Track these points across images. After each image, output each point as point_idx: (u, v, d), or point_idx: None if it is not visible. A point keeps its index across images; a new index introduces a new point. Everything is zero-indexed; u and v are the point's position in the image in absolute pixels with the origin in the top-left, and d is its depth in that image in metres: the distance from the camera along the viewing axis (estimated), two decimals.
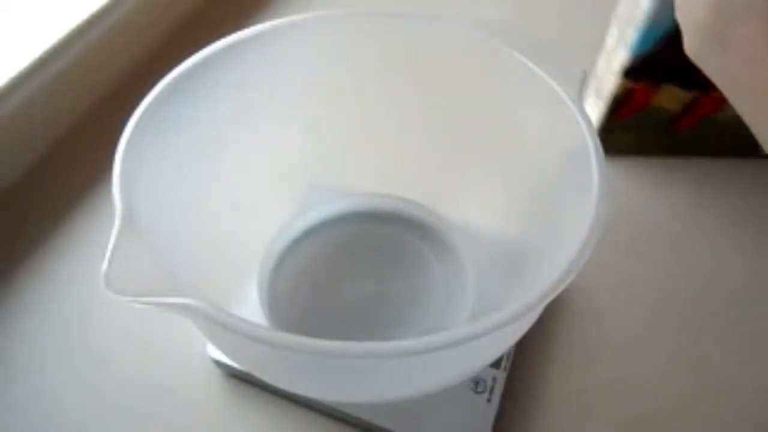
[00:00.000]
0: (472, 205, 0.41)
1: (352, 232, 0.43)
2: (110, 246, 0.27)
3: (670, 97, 0.45)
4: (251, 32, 0.36)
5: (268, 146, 0.39)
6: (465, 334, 0.23)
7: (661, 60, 0.41)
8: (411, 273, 0.40)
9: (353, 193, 0.44)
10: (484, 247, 0.41)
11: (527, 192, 0.37)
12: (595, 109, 0.49)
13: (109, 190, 0.29)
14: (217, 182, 0.37)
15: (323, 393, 0.33)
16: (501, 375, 0.35)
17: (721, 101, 0.36)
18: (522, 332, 0.30)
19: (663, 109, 0.46)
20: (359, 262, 0.41)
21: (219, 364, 0.37)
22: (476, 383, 0.35)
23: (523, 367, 0.37)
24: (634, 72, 0.43)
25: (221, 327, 0.24)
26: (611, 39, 0.46)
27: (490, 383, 0.35)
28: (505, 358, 0.36)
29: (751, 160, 0.50)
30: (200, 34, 0.59)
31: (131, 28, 0.55)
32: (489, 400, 0.34)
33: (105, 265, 0.26)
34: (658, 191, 0.48)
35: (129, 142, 0.30)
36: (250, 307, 0.38)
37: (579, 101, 0.31)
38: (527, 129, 0.35)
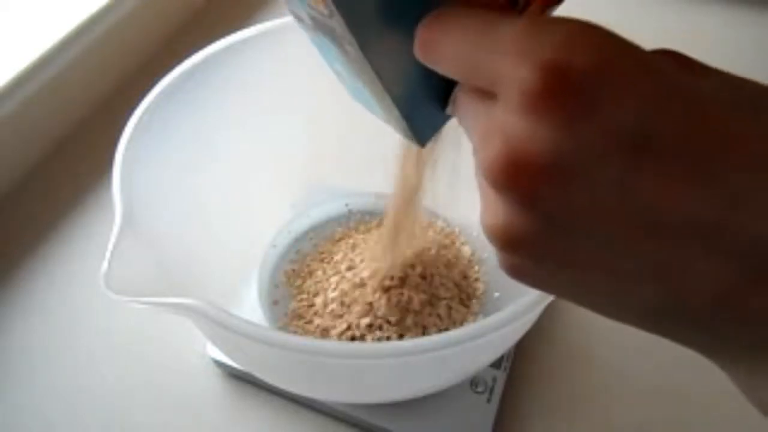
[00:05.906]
0: (472, 205, 0.41)
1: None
2: (110, 246, 0.27)
3: None
4: (251, 32, 0.36)
5: (268, 146, 0.39)
6: (465, 334, 0.23)
7: None
8: None
9: (353, 193, 0.44)
10: (484, 246, 0.41)
11: None
12: None
13: (109, 190, 0.29)
14: (217, 182, 0.37)
15: (323, 393, 0.33)
16: (501, 375, 0.35)
17: None
18: (522, 332, 0.30)
19: None
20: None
21: (219, 364, 0.37)
22: (476, 383, 0.35)
23: (523, 367, 0.37)
24: None
25: (221, 327, 0.24)
26: None
27: (490, 383, 0.35)
28: (505, 358, 0.36)
29: None
30: (200, 34, 0.59)
31: (131, 28, 0.55)
32: (489, 400, 0.34)
33: (105, 265, 0.26)
34: None
35: (129, 142, 0.30)
36: (250, 307, 0.38)
37: None
38: None
